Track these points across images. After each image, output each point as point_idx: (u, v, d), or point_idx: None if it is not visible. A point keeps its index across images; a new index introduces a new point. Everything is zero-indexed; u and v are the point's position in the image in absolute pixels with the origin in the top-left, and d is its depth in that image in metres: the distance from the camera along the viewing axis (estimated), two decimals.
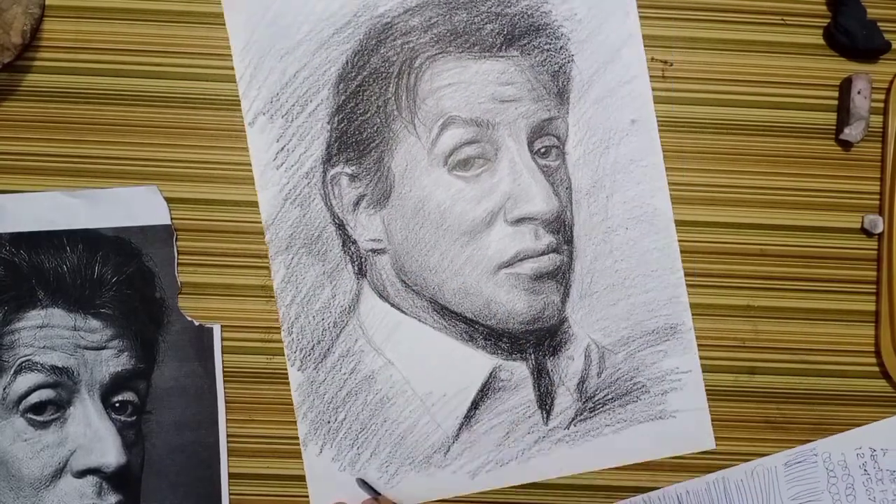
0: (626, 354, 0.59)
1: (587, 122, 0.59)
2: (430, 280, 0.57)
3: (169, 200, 0.58)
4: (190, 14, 0.58)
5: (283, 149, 0.58)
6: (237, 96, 0.58)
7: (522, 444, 0.58)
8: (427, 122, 0.56)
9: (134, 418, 0.56)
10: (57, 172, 0.58)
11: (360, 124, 0.57)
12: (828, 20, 0.60)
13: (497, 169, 0.56)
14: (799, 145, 0.60)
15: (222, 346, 0.58)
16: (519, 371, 0.58)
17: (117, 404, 0.56)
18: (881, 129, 0.60)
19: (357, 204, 0.57)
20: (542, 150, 0.57)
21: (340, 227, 0.58)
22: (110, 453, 0.55)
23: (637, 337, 0.59)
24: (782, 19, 0.60)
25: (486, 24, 0.57)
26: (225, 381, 0.58)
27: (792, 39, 0.60)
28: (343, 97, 0.57)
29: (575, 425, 0.59)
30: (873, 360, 0.60)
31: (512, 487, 0.59)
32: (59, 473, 0.55)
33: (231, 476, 0.58)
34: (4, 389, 0.55)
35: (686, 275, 0.59)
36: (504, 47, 0.57)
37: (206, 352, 0.57)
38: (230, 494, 0.58)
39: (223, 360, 0.58)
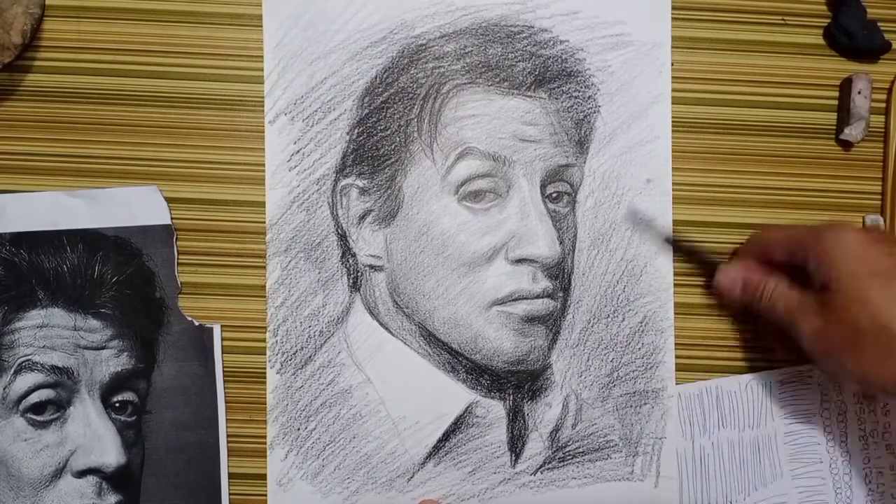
0: (604, 411, 0.58)
1: (603, 174, 0.58)
2: (423, 305, 0.57)
3: (169, 200, 0.58)
4: (191, 14, 0.58)
5: (298, 151, 0.58)
6: (239, 97, 0.58)
7: (487, 482, 0.58)
8: (445, 149, 0.56)
9: (134, 418, 0.56)
10: (57, 172, 0.58)
11: (378, 140, 0.57)
12: (828, 20, 0.59)
13: (506, 206, 0.56)
14: (799, 145, 0.60)
15: (222, 346, 0.58)
16: (495, 410, 0.58)
17: (117, 404, 0.56)
18: (881, 129, 0.60)
19: (363, 218, 0.57)
20: (554, 194, 0.57)
21: (342, 238, 0.58)
22: (110, 453, 0.55)
23: (618, 395, 0.58)
24: (782, 19, 0.60)
25: (519, 62, 0.57)
26: (225, 381, 0.58)
27: (792, 39, 0.60)
28: (367, 110, 0.57)
29: (542, 472, 0.58)
30: None
31: None
32: (58, 473, 0.55)
33: (231, 476, 0.58)
34: (4, 389, 0.55)
35: (684, 274, 0.59)
36: (533, 87, 0.57)
37: (206, 352, 0.57)
38: (230, 494, 0.58)
39: (223, 360, 0.58)
